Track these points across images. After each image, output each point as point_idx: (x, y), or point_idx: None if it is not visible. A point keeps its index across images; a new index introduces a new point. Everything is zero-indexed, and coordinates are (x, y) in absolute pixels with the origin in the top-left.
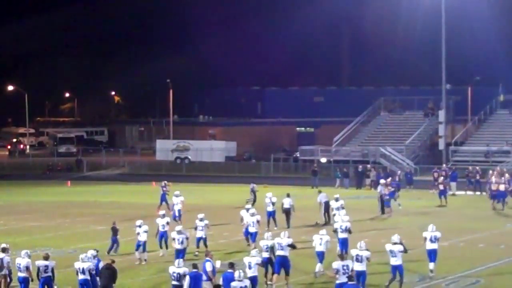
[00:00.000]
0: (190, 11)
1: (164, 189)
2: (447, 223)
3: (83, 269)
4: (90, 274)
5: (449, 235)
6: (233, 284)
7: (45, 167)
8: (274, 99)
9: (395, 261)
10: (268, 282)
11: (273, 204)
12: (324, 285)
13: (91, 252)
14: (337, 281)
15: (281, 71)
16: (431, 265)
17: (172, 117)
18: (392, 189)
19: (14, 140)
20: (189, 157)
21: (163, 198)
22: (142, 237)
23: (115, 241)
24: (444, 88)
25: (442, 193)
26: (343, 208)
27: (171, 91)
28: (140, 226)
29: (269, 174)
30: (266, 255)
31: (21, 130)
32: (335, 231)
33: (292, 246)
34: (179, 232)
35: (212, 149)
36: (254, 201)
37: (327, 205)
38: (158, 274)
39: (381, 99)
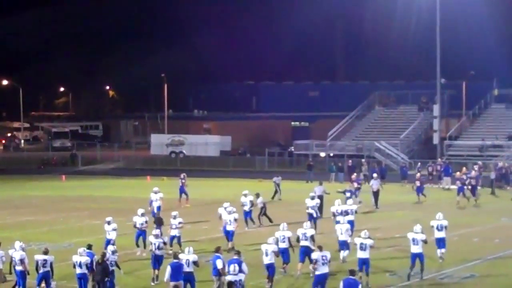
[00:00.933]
0: (185, 6)
1: (183, 181)
2: None
3: (80, 263)
4: (87, 268)
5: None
6: (227, 278)
7: (39, 162)
8: (269, 94)
9: (416, 249)
10: (281, 270)
11: (251, 203)
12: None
13: (110, 248)
14: (317, 272)
15: (276, 66)
16: (439, 252)
17: (167, 112)
18: (358, 186)
19: (9, 134)
20: (184, 151)
21: (182, 190)
22: (111, 235)
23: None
24: (439, 82)
25: (419, 190)
26: (318, 207)
27: (165, 86)
28: (109, 223)
29: (264, 168)
30: (283, 245)
31: (16, 124)
32: (334, 215)
33: (313, 238)
34: (157, 237)
35: (206, 143)
36: (279, 193)
37: (321, 198)
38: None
39: (375, 93)
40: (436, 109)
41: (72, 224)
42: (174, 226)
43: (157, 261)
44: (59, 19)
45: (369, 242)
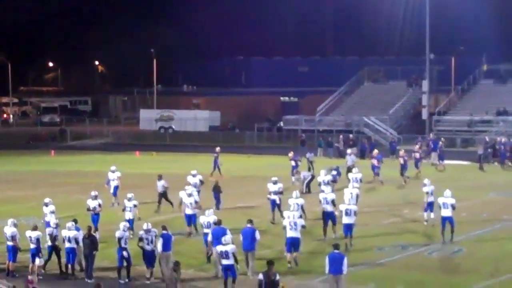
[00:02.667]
0: None
1: (215, 155)
2: None
3: (69, 237)
4: (76, 242)
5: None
6: (217, 248)
7: (28, 137)
8: (259, 69)
9: (446, 213)
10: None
11: (201, 182)
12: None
13: (123, 224)
14: (287, 235)
15: (266, 41)
16: (426, 215)
17: (156, 87)
18: (294, 164)
19: None
20: (173, 126)
21: (215, 164)
22: (49, 218)
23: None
24: (428, 58)
25: (374, 169)
26: (281, 193)
27: (155, 61)
28: (46, 205)
29: (253, 143)
30: (296, 213)
31: (4, 99)
32: (319, 184)
33: (334, 203)
34: (148, 232)
35: (196, 118)
36: (313, 171)
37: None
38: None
39: (365, 69)
40: (425, 84)
41: (61, 199)
42: (128, 209)
43: (150, 258)
44: None
45: (353, 208)
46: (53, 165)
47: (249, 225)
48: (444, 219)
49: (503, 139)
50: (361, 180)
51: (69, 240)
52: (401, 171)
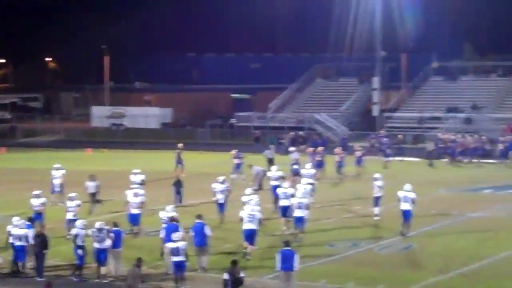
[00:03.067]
0: None
1: (177, 151)
2: None
3: (19, 235)
4: (26, 240)
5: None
6: (167, 244)
7: None
8: (211, 66)
9: (406, 206)
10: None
11: (142, 182)
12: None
13: (81, 221)
14: (244, 227)
15: (217, 38)
16: (377, 210)
17: (108, 84)
18: (239, 162)
19: None
20: (125, 123)
21: (179, 161)
22: None
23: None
24: (379, 55)
25: (319, 165)
26: (228, 191)
27: (106, 58)
28: None
29: (206, 140)
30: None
31: None
32: (269, 179)
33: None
34: (100, 230)
35: (147, 115)
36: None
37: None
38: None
39: (316, 65)
40: (375, 81)
41: (12, 196)
42: (71, 209)
43: (101, 256)
44: None
45: (305, 201)
46: (4, 162)
47: (198, 220)
48: (403, 212)
49: (453, 136)
50: (313, 177)
51: (20, 238)
52: (337, 168)
